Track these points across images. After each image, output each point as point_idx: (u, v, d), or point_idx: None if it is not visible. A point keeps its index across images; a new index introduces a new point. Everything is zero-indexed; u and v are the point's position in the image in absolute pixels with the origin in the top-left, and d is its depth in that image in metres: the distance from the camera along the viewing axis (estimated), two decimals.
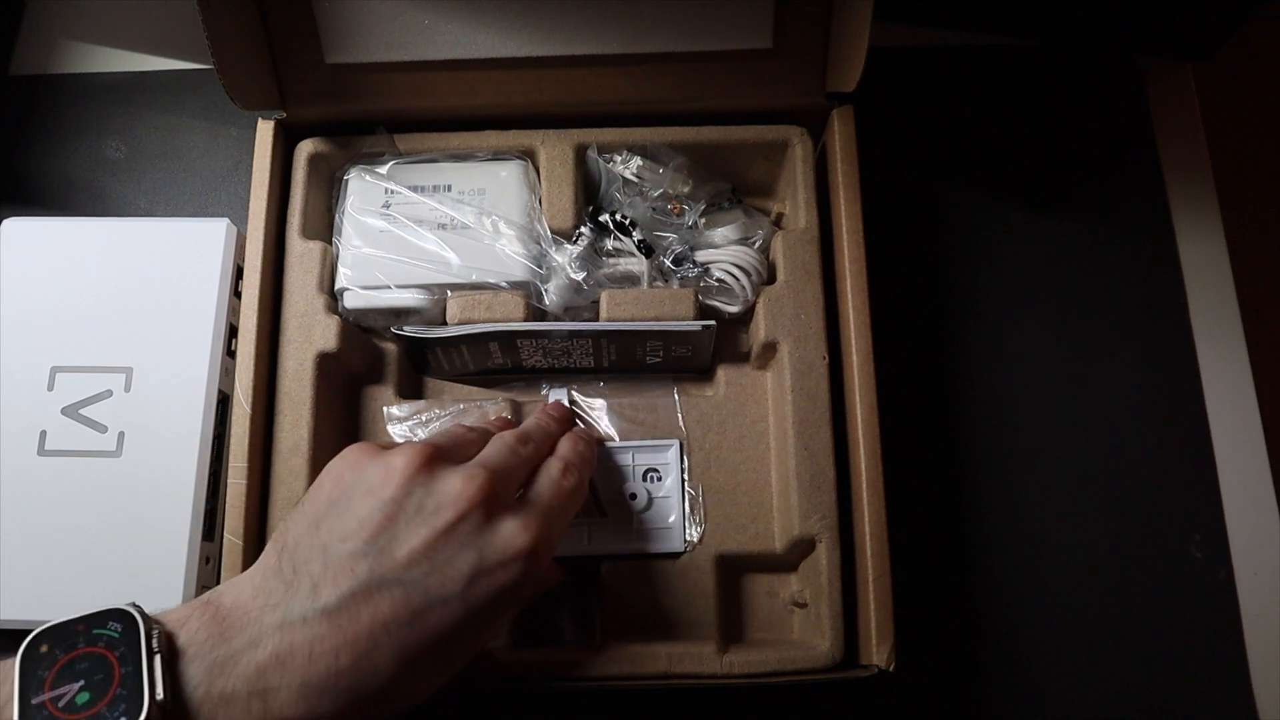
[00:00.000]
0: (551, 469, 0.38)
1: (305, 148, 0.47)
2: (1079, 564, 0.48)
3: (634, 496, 0.44)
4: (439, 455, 0.34)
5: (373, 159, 0.48)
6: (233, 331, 0.47)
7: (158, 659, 0.28)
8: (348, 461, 0.34)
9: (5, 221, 0.48)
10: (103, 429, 0.45)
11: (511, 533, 0.33)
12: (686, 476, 0.45)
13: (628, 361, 0.46)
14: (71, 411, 0.45)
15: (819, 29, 0.45)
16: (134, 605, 0.30)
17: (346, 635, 0.30)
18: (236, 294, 0.48)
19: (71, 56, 0.58)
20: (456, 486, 0.33)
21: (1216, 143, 0.56)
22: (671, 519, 0.44)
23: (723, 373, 0.47)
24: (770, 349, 0.46)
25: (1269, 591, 0.48)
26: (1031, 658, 0.47)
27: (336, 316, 0.45)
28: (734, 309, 0.47)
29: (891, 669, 0.40)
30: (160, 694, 0.27)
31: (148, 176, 0.55)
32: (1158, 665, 0.47)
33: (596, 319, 0.46)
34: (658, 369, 0.47)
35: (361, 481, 0.33)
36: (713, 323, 0.44)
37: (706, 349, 0.46)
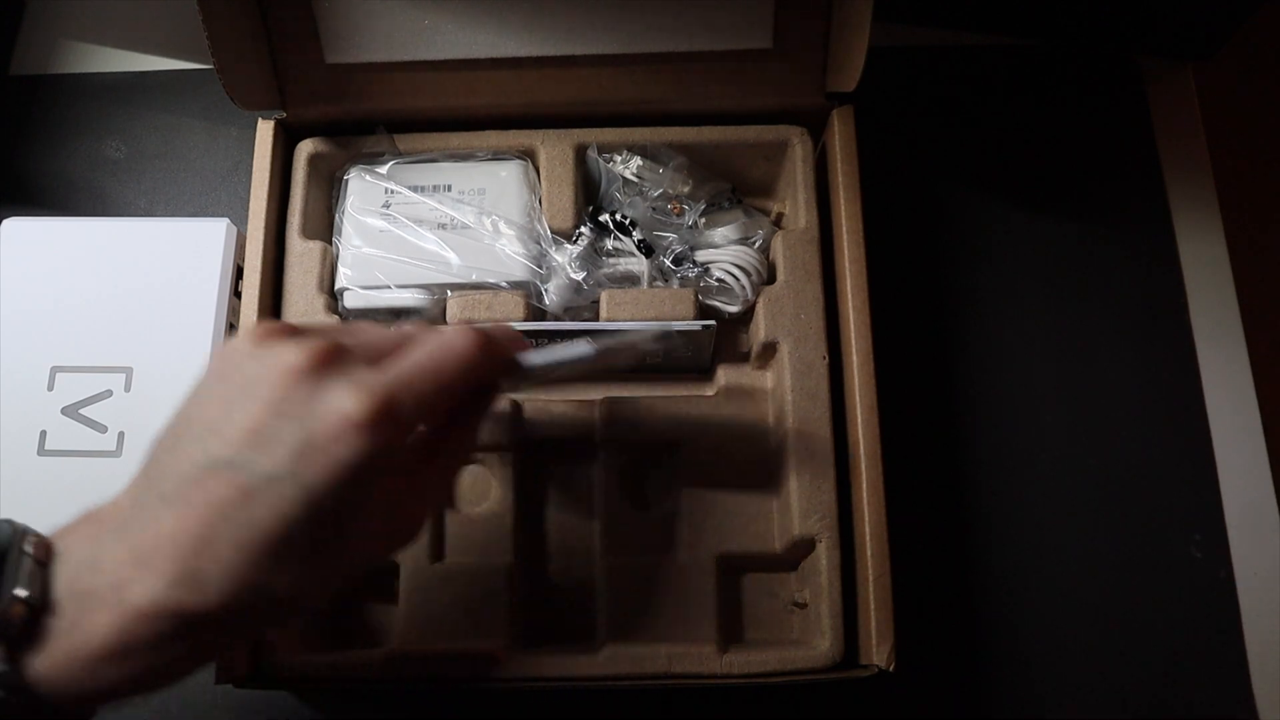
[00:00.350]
0: (423, 340, 0.32)
1: (305, 148, 0.47)
2: (1079, 564, 0.48)
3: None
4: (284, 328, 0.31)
5: (373, 159, 0.48)
6: (233, 331, 0.47)
7: (25, 559, 0.28)
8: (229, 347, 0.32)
9: (5, 221, 0.48)
10: (103, 429, 0.45)
11: (339, 398, 0.28)
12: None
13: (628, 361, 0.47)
14: (71, 411, 0.45)
15: (819, 29, 0.45)
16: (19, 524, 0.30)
17: (184, 522, 0.28)
18: (236, 294, 0.48)
19: (71, 56, 0.58)
20: (286, 354, 0.29)
21: (1216, 143, 0.56)
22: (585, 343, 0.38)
23: (723, 373, 0.47)
24: (770, 349, 0.46)
25: (1269, 591, 0.48)
26: (1031, 658, 0.47)
27: (336, 316, 0.45)
28: (734, 309, 0.47)
29: (891, 669, 0.40)
30: (21, 590, 0.27)
31: (148, 176, 0.55)
32: (1158, 665, 0.47)
33: (596, 319, 0.46)
34: (658, 369, 0.47)
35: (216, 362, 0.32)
36: (713, 323, 0.44)
37: (706, 349, 0.46)
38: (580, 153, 0.47)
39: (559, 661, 0.41)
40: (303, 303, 0.45)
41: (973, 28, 0.58)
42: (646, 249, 0.46)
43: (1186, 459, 0.50)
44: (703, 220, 0.47)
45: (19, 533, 0.29)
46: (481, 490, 0.45)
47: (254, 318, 0.44)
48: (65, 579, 0.28)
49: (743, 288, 0.46)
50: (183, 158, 0.56)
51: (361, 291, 0.45)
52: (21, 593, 0.27)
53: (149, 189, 0.55)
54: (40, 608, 0.28)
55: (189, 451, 0.29)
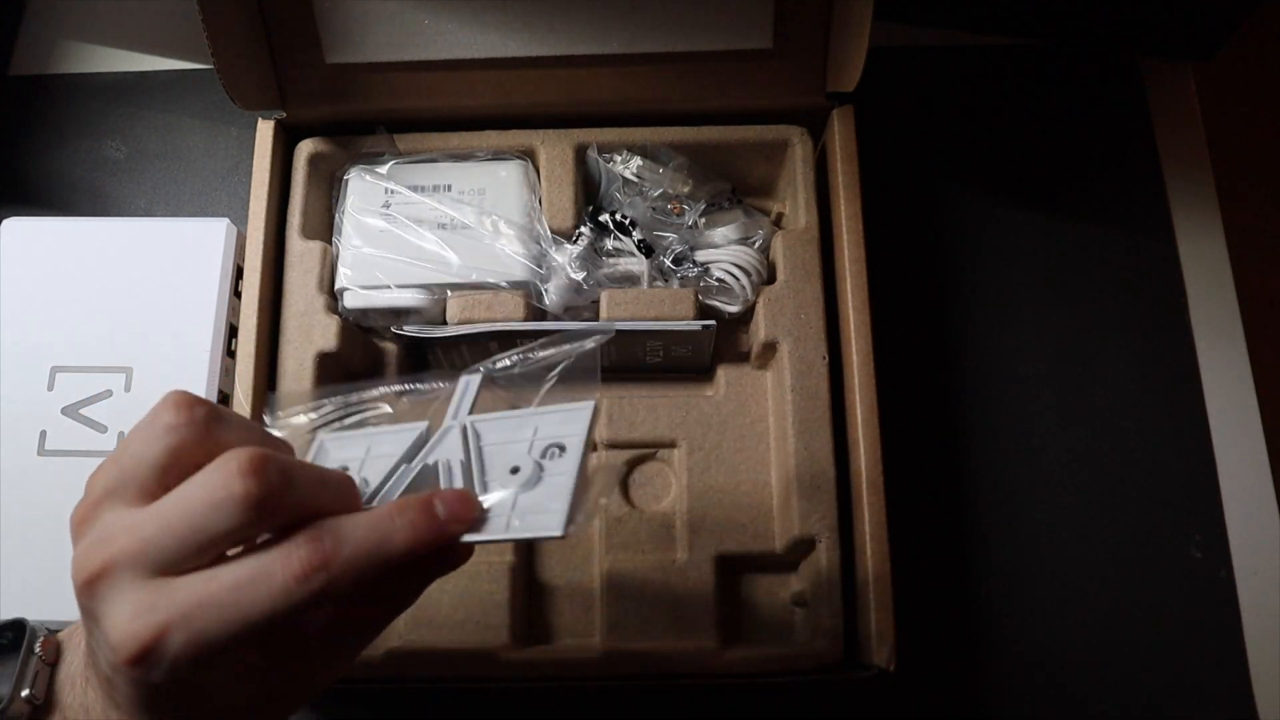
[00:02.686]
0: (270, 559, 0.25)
1: (305, 148, 0.47)
2: (1079, 564, 0.48)
3: (515, 470, 0.32)
4: (112, 492, 0.26)
5: (373, 159, 0.48)
6: (233, 331, 0.47)
7: (34, 660, 0.30)
8: None
9: (5, 221, 0.48)
10: (103, 429, 0.45)
11: (115, 622, 0.25)
12: (588, 450, 0.32)
13: (628, 361, 0.47)
14: (71, 411, 0.45)
15: (819, 29, 0.45)
16: (45, 627, 0.31)
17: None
18: (236, 294, 0.48)
19: (71, 56, 0.58)
20: (78, 554, 0.26)
21: (1216, 143, 0.56)
22: (556, 498, 0.32)
23: (723, 373, 0.47)
24: (770, 349, 0.46)
25: (1269, 591, 0.48)
26: (1031, 658, 0.47)
27: (336, 316, 0.45)
28: (734, 309, 0.47)
29: (891, 669, 0.40)
30: (27, 690, 0.29)
31: (148, 176, 0.55)
32: (1158, 665, 0.47)
33: (596, 319, 0.46)
34: (658, 369, 0.47)
35: None
36: (713, 323, 0.44)
37: (706, 349, 0.46)
38: (580, 153, 0.47)
39: (559, 661, 0.41)
40: (302, 303, 0.45)
41: (973, 28, 0.58)
42: (646, 249, 0.46)
43: (1186, 459, 0.50)
44: (703, 220, 0.47)
45: (31, 635, 0.30)
46: None
47: (254, 318, 0.44)
48: (67, 681, 0.30)
49: (743, 288, 0.46)
50: (183, 158, 0.56)
51: (361, 291, 0.45)
52: (25, 692, 0.29)
53: (149, 189, 0.55)
54: (42, 707, 0.29)
55: None
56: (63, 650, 0.31)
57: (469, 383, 0.35)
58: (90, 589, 0.25)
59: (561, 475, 0.32)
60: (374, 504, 0.31)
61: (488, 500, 0.31)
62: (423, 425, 0.33)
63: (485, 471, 0.32)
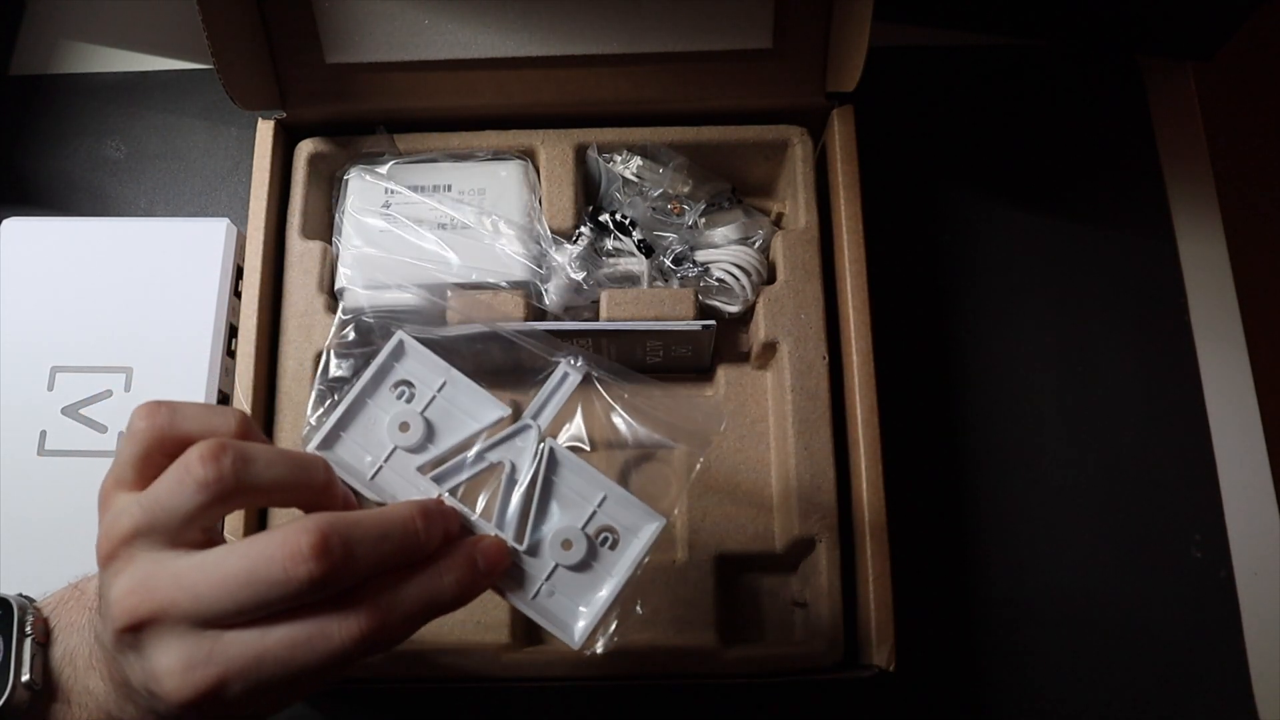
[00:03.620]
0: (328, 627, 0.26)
1: (305, 148, 0.47)
2: (1079, 564, 0.48)
3: (568, 545, 0.32)
4: (143, 533, 0.27)
5: (373, 159, 0.48)
6: (233, 331, 0.47)
7: (28, 642, 0.29)
8: None
9: (5, 221, 0.48)
10: (103, 429, 0.45)
11: (161, 665, 0.26)
12: (639, 568, 0.33)
13: (628, 361, 0.46)
14: (71, 411, 0.45)
15: (819, 29, 0.45)
16: (20, 595, 0.31)
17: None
18: (236, 294, 0.48)
19: (71, 56, 0.58)
20: (115, 591, 0.26)
21: (1216, 143, 0.56)
22: (587, 604, 0.32)
23: (723, 373, 0.47)
24: (770, 349, 0.46)
25: (1269, 591, 0.48)
26: (1031, 658, 0.47)
27: (337, 316, 0.45)
28: (734, 309, 0.47)
29: (891, 669, 0.40)
30: (26, 675, 0.29)
31: (148, 176, 0.55)
32: (1158, 665, 0.47)
33: (596, 319, 0.46)
34: (658, 369, 0.47)
35: None
36: (713, 323, 0.44)
37: (706, 349, 0.46)
38: (580, 153, 0.47)
39: (559, 661, 0.41)
40: (302, 303, 0.45)
41: (973, 28, 0.58)
42: (646, 249, 0.46)
43: (1186, 459, 0.50)
44: (703, 220, 0.47)
45: (21, 612, 0.30)
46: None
47: (254, 318, 0.44)
48: (63, 658, 0.30)
49: (743, 288, 0.46)
50: (183, 158, 0.56)
51: (361, 291, 0.45)
52: (25, 677, 0.29)
53: (149, 189, 0.55)
54: (44, 690, 0.29)
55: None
56: (53, 628, 0.30)
57: (568, 377, 0.35)
58: (136, 635, 0.26)
59: (605, 578, 0.33)
60: (435, 471, 0.32)
61: (528, 563, 0.32)
62: (506, 411, 0.34)
63: (542, 515, 0.33)
